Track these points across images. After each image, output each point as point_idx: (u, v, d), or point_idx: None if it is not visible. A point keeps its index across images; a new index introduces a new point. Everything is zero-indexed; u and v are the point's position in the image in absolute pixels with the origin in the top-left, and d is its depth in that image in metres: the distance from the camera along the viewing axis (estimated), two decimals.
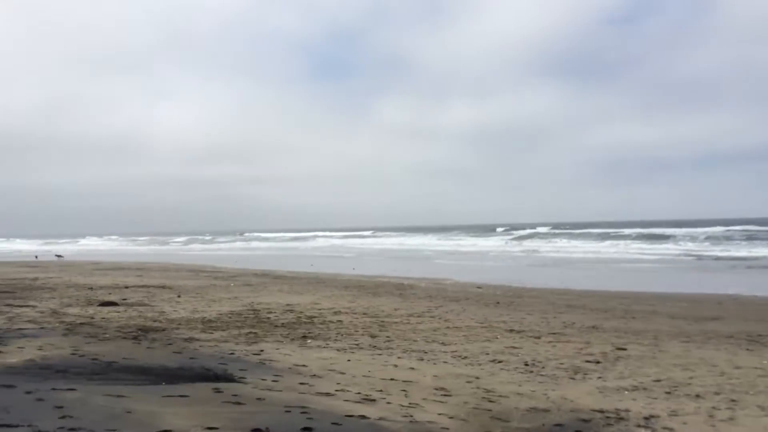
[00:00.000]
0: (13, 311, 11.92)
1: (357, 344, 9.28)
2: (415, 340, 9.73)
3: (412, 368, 7.67)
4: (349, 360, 8.03)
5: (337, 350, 8.74)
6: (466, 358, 8.45)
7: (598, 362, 8.24)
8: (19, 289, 17.21)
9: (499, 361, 8.23)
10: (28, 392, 5.27)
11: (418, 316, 12.47)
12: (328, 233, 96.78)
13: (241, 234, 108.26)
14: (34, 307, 12.86)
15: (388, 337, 10.02)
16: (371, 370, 7.44)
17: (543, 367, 7.91)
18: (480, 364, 8.04)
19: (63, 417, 4.51)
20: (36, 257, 44.49)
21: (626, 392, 6.78)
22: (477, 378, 7.27)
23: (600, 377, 7.45)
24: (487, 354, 8.71)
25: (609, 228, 68.31)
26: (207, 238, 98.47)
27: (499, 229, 78.35)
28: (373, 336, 10.07)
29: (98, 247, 79.11)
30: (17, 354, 7.22)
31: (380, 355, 8.50)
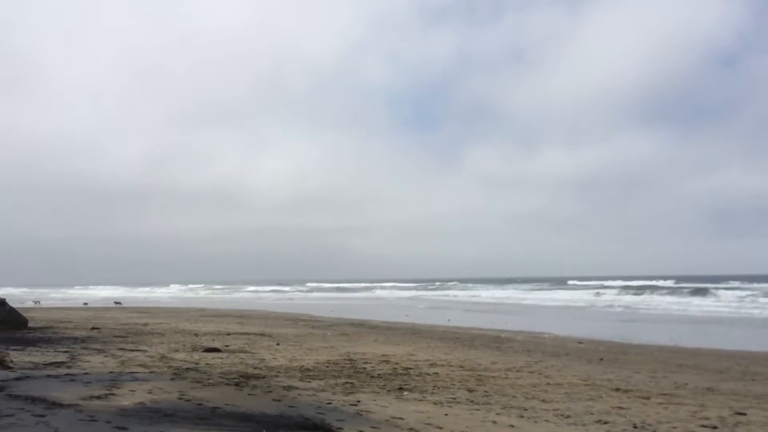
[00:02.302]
0: (126, 355, 12.57)
1: (454, 398, 9.08)
2: (514, 396, 9.41)
3: (512, 426, 7.39)
4: (446, 414, 7.85)
5: (434, 403, 8.58)
6: (568, 417, 8.06)
7: (714, 428, 7.63)
8: (131, 334, 18.18)
9: (605, 422, 7.79)
10: None
11: (517, 371, 12.08)
12: (418, 284, 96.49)
13: (334, 283, 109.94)
14: (144, 351, 13.51)
15: (485, 391, 9.75)
16: (469, 425, 7.24)
17: (654, 431, 7.41)
18: (584, 425, 7.64)
19: None
20: (85, 304, 46.75)
21: None
22: None
23: None
24: (592, 414, 8.27)
25: (716, 283, 63.89)
26: (303, 287, 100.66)
27: (594, 282, 75.21)
28: (470, 390, 9.83)
29: (167, 295, 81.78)
30: (129, 397, 7.57)
31: (478, 410, 8.27)
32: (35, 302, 36.49)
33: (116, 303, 48.56)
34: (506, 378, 11.19)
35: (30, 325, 20.36)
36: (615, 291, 60.45)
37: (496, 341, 18.57)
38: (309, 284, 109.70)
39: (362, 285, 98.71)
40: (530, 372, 12.02)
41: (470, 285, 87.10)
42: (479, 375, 11.44)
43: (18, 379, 8.49)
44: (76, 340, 15.84)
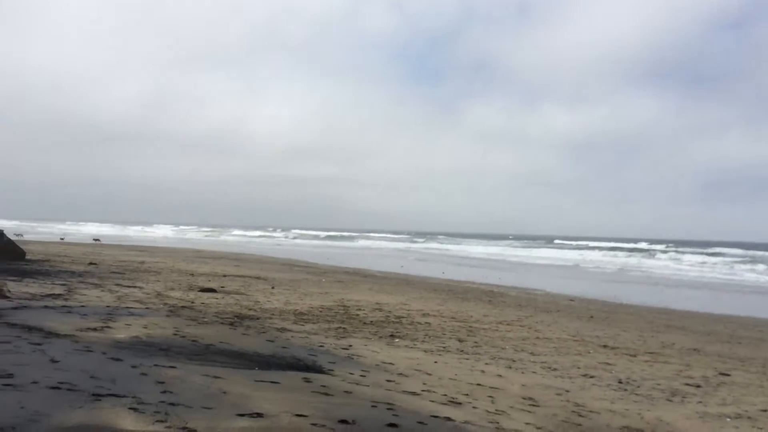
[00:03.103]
0: (122, 291, 12.71)
1: (444, 347, 9.24)
2: (503, 348, 9.57)
3: (500, 375, 7.55)
4: (435, 362, 8.00)
5: (425, 351, 8.74)
6: (555, 370, 8.22)
7: (698, 386, 7.80)
8: (128, 271, 18.33)
9: (591, 376, 7.95)
10: (134, 366, 5.60)
11: (507, 324, 12.26)
12: (411, 237, 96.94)
13: (328, 231, 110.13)
14: (140, 288, 13.65)
15: (476, 342, 9.91)
16: (458, 373, 7.39)
17: (638, 387, 7.57)
18: (570, 378, 7.80)
19: (164, 392, 4.76)
20: (62, 239, 46.83)
21: (728, 419, 6.38)
22: (567, 391, 7.05)
23: (700, 402, 7.05)
24: (578, 368, 8.44)
25: (711, 247, 64.35)
26: (292, 234, 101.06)
27: (591, 243, 75.58)
28: (460, 340, 9.99)
29: (152, 235, 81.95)
30: (124, 330, 7.68)
31: (467, 359, 8.43)
32: (17, 235, 36.45)
33: (95, 240, 48.79)
34: (497, 330, 11.37)
35: (28, 257, 20.49)
36: (606, 252, 60.96)
37: (488, 295, 18.78)
38: (298, 231, 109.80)
39: (355, 235, 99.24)
40: (521, 326, 12.20)
41: (464, 240, 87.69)
42: (470, 326, 11.61)
43: (15, 308, 8.59)
44: (73, 273, 15.97)
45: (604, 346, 10.42)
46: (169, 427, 3.92)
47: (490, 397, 6.35)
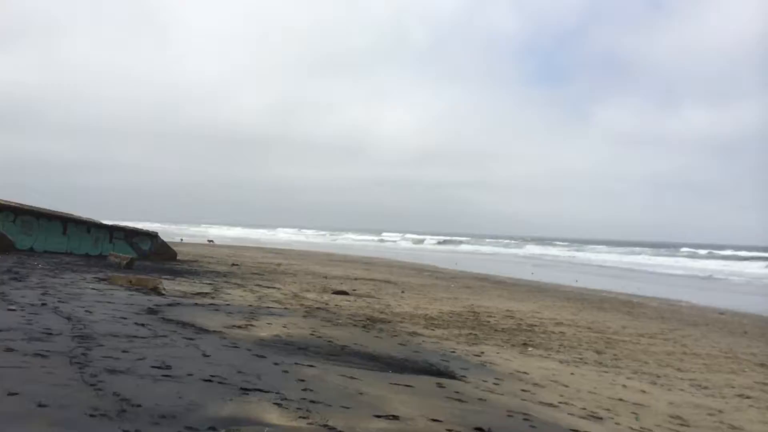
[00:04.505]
0: (262, 291, 13.39)
1: (581, 358, 8.89)
2: (646, 362, 9.04)
3: (643, 391, 7.13)
4: (572, 373, 7.71)
5: (560, 362, 8.45)
6: (706, 388, 7.64)
7: None
8: (267, 272, 19.30)
9: (747, 397, 7.31)
10: (276, 363, 5.87)
11: (650, 337, 11.57)
12: (540, 243, 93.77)
13: (450, 237, 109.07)
14: (278, 289, 14.32)
15: (615, 355, 9.45)
16: (597, 386, 7.07)
17: None
18: (723, 397, 7.22)
19: (305, 389, 4.94)
20: (181, 240, 48.63)
21: None
22: (720, 411, 6.53)
23: None
24: (732, 387, 7.79)
25: None
26: (427, 240, 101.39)
27: (737, 252, 69.36)
28: (598, 352, 9.56)
29: (274, 237, 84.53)
30: (266, 329, 8.08)
31: (606, 372, 8.04)
32: (179, 239, 40.14)
33: (209, 241, 51.75)
34: (637, 343, 10.76)
35: (179, 258, 22.17)
36: (753, 262, 55.77)
37: (626, 305, 17.85)
38: (421, 236, 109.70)
39: (483, 241, 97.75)
40: (664, 339, 11.47)
41: (595, 246, 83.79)
42: (608, 338, 11.08)
43: (170, 305, 9.30)
44: (218, 274, 17.06)
45: (762, 365, 9.55)
46: (311, 423, 4.06)
47: (634, 413, 6.01)
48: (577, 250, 74.58)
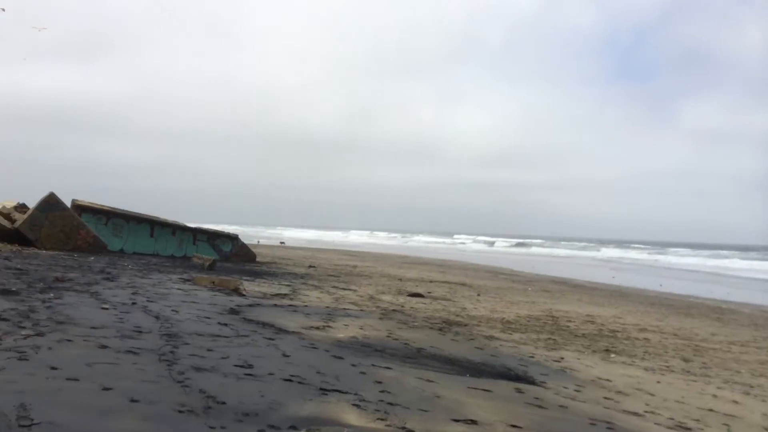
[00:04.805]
0: (338, 293, 13.56)
1: (667, 366, 8.52)
2: (738, 371, 8.58)
3: (735, 402, 6.76)
4: (658, 381, 7.41)
5: (645, 369, 8.13)
6: None
7: None
8: (343, 274, 19.55)
9: None
10: (353, 365, 5.92)
11: (742, 345, 10.97)
12: (621, 246, 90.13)
13: (524, 240, 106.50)
14: (354, 291, 14.46)
15: (704, 363, 9.01)
16: (685, 396, 6.76)
17: None
18: None
19: (382, 391, 4.96)
20: (258, 242, 49.42)
21: None
22: None
23: None
24: None
25: None
26: (504, 242, 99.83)
27: None
28: (686, 360, 9.15)
29: (345, 240, 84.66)
30: (343, 330, 8.17)
31: (695, 381, 7.68)
32: (257, 241, 41.44)
33: (281, 243, 52.71)
34: (728, 351, 10.23)
35: (258, 259, 22.78)
36: None
37: (715, 311, 17.01)
38: (492, 238, 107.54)
39: (557, 243, 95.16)
40: (758, 348, 10.86)
41: (678, 249, 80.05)
42: (696, 345, 10.59)
43: (250, 305, 9.56)
44: (296, 276, 17.41)
45: None
46: (389, 425, 4.07)
47: (725, 425, 5.71)
48: (660, 254, 71.50)
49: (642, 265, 49.63)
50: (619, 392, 6.54)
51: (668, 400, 6.43)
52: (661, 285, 27.60)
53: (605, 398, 6.12)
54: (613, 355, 8.96)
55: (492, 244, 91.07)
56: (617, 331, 11.44)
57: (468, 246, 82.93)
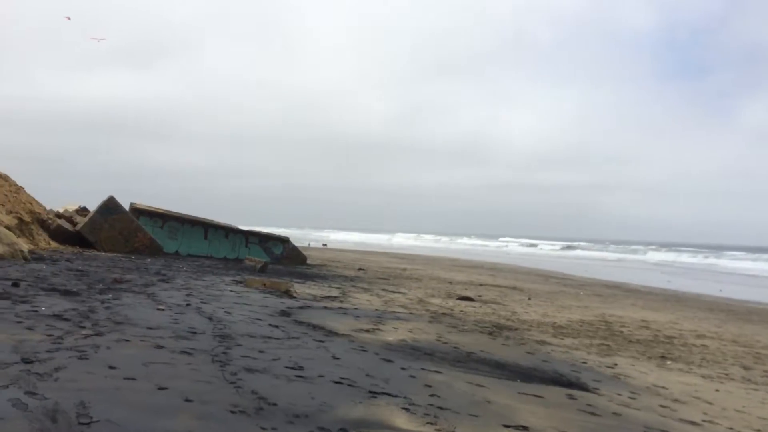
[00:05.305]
0: (388, 296, 13.59)
1: (726, 374, 8.24)
2: None
3: None
4: (717, 390, 7.17)
5: (702, 377, 7.88)
6: None
7: None
8: (392, 277, 19.58)
9: None
10: (403, 368, 5.93)
11: None
12: (675, 249, 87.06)
13: (571, 243, 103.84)
14: (404, 294, 14.47)
15: (765, 371, 8.66)
16: (745, 405, 6.52)
17: None
18: None
19: (432, 395, 4.95)
20: (309, 244, 49.65)
21: None
22: None
23: None
24: None
25: None
26: (553, 245, 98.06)
27: None
28: (746, 368, 8.82)
29: (390, 242, 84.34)
30: (392, 333, 8.19)
31: (756, 390, 7.40)
32: (323, 245, 42.16)
33: (323, 245, 53.00)
34: None
35: (308, 262, 23.03)
36: None
37: None
38: (549, 242, 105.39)
39: (606, 246, 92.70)
40: None
41: (735, 253, 76.91)
42: (757, 353, 10.19)
43: (301, 308, 9.67)
44: (345, 278, 17.53)
45: None
46: (438, 429, 4.06)
47: None
48: (715, 257, 68.96)
49: (696, 269, 48.05)
50: (675, 400, 6.35)
51: (727, 410, 6.21)
52: (720, 290, 26.70)
53: (661, 406, 5.96)
54: (669, 362, 8.71)
55: (537, 246, 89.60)
56: (673, 337, 11.12)
57: (513, 249, 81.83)
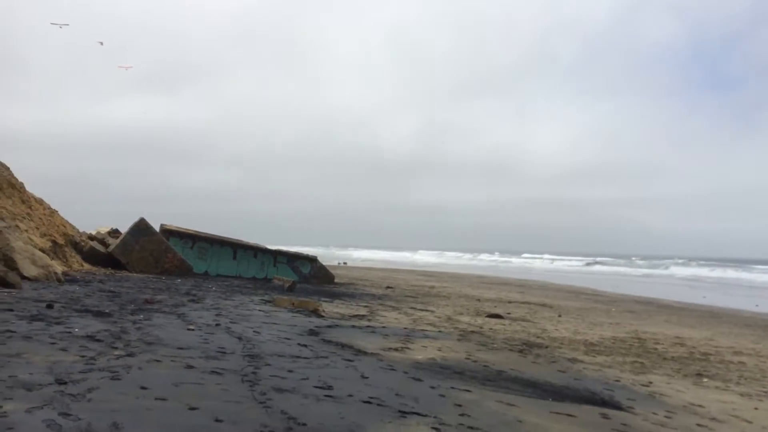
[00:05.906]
0: (416, 314, 13.52)
1: (765, 391, 8.00)
2: None
3: None
4: (756, 408, 6.96)
5: (740, 395, 7.66)
6: None
7: None
8: (420, 295, 19.50)
9: None
10: (432, 387, 5.88)
11: None
12: (707, 263, 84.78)
13: (593, 258, 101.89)
14: (432, 312, 14.38)
15: None
16: None
17: None
18: None
19: (462, 415, 4.90)
20: (339, 263, 49.55)
21: None
22: None
23: None
24: None
25: None
26: (564, 258, 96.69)
27: None
28: None
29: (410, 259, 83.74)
30: (421, 352, 8.13)
31: None
32: (342, 263, 42.11)
33: (343, 263, 52.94)
34: None
35: (336, 281, 23.06)
36: None
37: None
38: (575, 258, 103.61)
39: (632, 261, 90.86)
40: None
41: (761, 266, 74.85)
42: None
43: (329, 326, 9.68)
44: (373, 296, 17.51)
45: None
46: None
47: None
48: (746, 271, 67.15)
49: (727, 284, 46.95)
50: (713, 419, 6.18)
51: (767, 428, 6.03)
52: (757, 305, 26.04)
53: (698, 425, 5.81)
54: (705, 380, 8.50)
55: (562, 262, 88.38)
56: (710, 354, 10.86)
57: (536, 265, 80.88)
